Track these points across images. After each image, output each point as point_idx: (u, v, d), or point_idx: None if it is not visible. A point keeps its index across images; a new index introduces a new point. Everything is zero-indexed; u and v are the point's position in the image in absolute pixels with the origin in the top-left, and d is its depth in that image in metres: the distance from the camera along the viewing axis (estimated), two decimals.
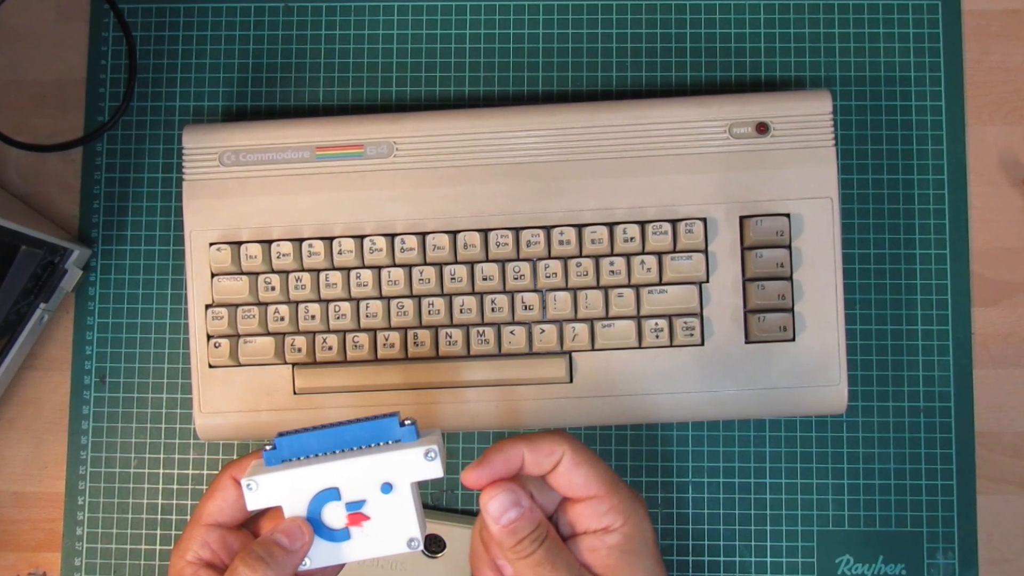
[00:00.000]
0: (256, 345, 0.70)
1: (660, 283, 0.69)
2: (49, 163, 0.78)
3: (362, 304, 0.70)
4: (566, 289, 0.69)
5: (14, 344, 0.73)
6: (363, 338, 0.70)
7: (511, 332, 0.69)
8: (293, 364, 0.70)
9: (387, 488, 0.52)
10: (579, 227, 0.69)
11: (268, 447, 0.54)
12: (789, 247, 0.69)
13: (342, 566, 0.55)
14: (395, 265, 0.70)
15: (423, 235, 0.70)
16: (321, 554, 0.53)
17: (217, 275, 0.71)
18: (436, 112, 0.71)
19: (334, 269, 0.70)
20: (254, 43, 0.78)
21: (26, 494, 0.76)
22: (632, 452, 0.74)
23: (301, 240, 0.70)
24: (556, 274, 0.69)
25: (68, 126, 0.78)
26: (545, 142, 0.70)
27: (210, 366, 0.71)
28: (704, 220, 0.69)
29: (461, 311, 0.69)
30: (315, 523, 0.53)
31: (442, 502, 0.75)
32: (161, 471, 0.75)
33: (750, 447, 0.74)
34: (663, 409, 0.69)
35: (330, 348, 0.70)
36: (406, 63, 0.77)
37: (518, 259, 0.70)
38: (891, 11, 0.76)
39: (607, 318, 0.69)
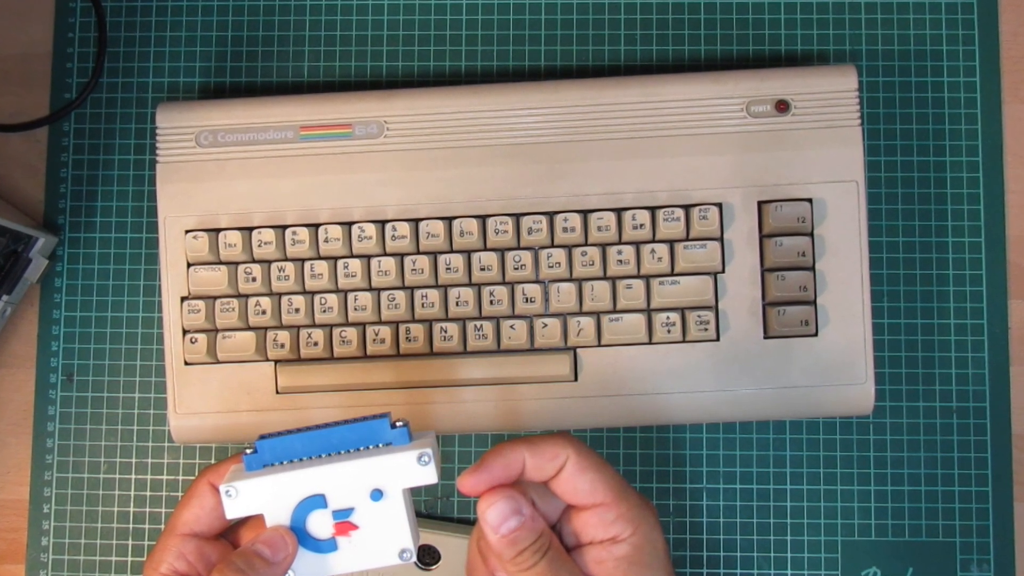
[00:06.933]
0: (235, 340, 0.70)
1: (672, 273, 0.69)
2: (12, 144, 0.77)
3: (350, 296, 0.70)
4: (570, 280, 0.69)
5: None
6: (351, 333, 0.69)
7: (511, 327, 0.69)
8: (275, 361, 0.70)
9: (377, 495, 0.52)
10: (584, 213, 0.69)
11: (249, 451, 0.54)
12: (811, 234, 0.69)
13: None
14: (386, 254, 0.70)
15: (416, 222, 0.70)
16: (306, 566, 0.53)
17: (193, 265, 0.70)
18: (430, 89, 0.71)
19: (320, 258, 0.70)
20: (233, 14, 0.77)
21: None
22: (641, 456, 0.74)
23: (284, 227, 0.70)
24: (559, 264, 0.69)
25: (32, 104, 0.78)
26: (548, 121, 0.70)
27: (186, 363, 0.70)
28: (719, 205, 0.69)
29: (457, 304, 0.69)
30: (299, 533, 0.53)
31: (436, 510, 0.75)
32: (133, 476, 0.75)
33: (769, 450, 0.74)
34: (675, 409, 0.69)
35: (315, 344, 0.69)
36: (397, 36, 0.77)
37: (518, 248, 0.69)
38: None
39: (615, 311, 0.69)
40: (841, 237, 0.69)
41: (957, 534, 0.73)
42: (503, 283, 0.69)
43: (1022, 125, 0.75)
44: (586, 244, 0.69)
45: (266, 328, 0.70)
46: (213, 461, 0.75)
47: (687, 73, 0.71)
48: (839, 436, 0.73)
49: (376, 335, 0.69)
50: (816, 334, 0.68)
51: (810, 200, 0.69)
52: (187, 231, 0.70)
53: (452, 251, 0.70)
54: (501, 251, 0.69)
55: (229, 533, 0.57)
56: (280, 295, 0.70)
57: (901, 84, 0.75)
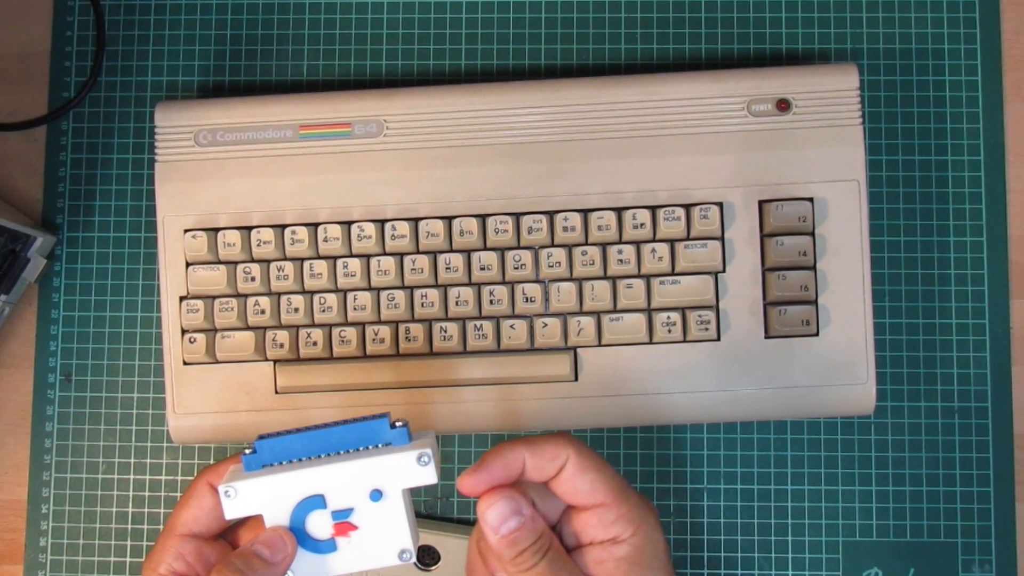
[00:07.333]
0: (234, 340, 0.70)
1: (672, 273, 0.69)
2: (10, 143, 0.77)
3: (349, 296, 0.69)
4: (570, 279, 0.69)
5: None
6: (350, 332, 0.69)
7: (511, 326, 0.69)
8: (275, 361, 0.70)
9: (377, 495, 0.52)
10: (585, 212, 0.69)
11: (248, 451, 0.53)
12: (812, 234, 0.68)
13: None
14: (385, 253, 0.70)
15: (415, 221, 0.70)
16: (305, 567, 0.53)
17: (192, 264, 0.70)
18: (430, 88, 0.71)
19: (319, 258, 0.70)
20: (232, 13, 0.77)
21: None
22: (642, 456, 0.74)
23: (283, 226, 0.70)
24: (560, 263, 0.69)
25: (31, 103, 0.78)
26: (548, 120, 0.70)
27: (185, 363, 0.70)
28: (720, 205, 0.69)
29: (457, 303, 0.69)
30: (299, 533, 0.53)
31: (436, 510, 0.75)
32: (132, 477, 0.75)
33: (770, 451, 0.73)
34: (676, 410, 0.69)
35: (315, 343, 0.69)
36: (397, 34, 0.77)
37: (518, 247, 0.69)
38: None
39: (615, 311, 0.69)
40: (842, 236, 0.69)
41: (959, 535, 0.73)
42: (503, 283, 0.69)
43: None
44: (586, 243, 0.69)
45: (265, 328, 0.70)
46: (212, 461, 0.75)
47: (687, 72, 0.71)
48: (840, 436, 0.73)
49: (376, 335, 0.69)
50: (817, 334, 0.68)
51: (811, 199, 0.69)
52: (186, 230, 0.70)
53: (452, 250, 0.70)
54: (501, 250, 0.69)
55: (228, 534, 0.57)
56: (279, 295, 0.70)
57: (902, 83, 0.75)
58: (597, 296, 0.69)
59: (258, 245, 0.70)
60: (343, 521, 0.53)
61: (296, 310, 0.69)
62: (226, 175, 0.70)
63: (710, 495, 0.74)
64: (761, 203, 0.69)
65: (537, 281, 0.69)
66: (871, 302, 0.68)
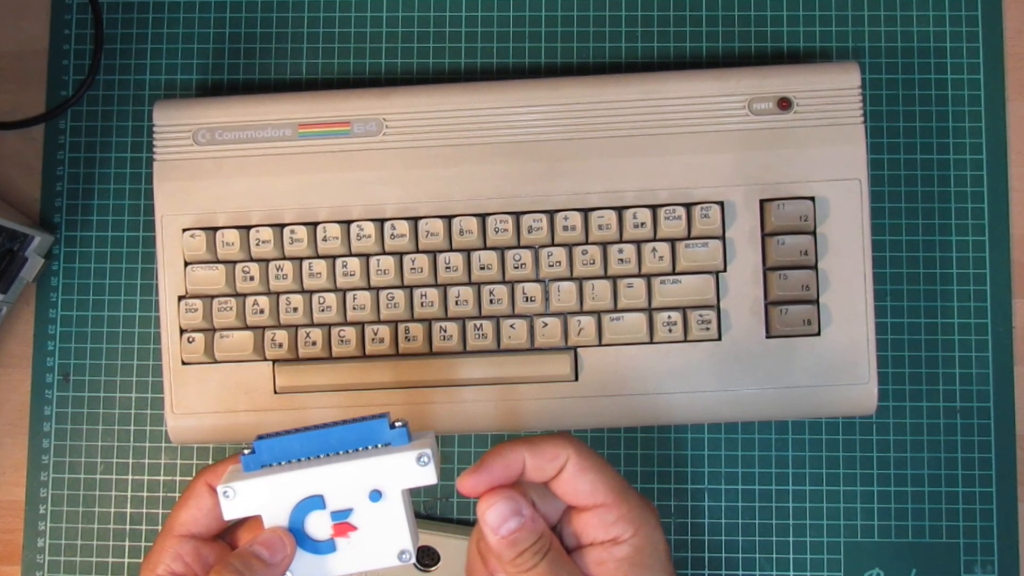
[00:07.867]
0: (233, 340, 0.70)
1: (673, 272, 0.69)
2: (8, 142, 0.77)
3: (349, 295, 0.69)
4: (571, 279, 0.69)
5: None
6: (350, 332, 0.69)
7: (511, 326, 0.69)
8: (273, 360, 0.70)
9: (376, 496, 0.52)
10: (585, 211, 0.69)
11: (247, 451, 0.53)
12: (814, 233, 0.68)
13: None
14: (384, 253, 0.70)
15: (415, 220, 0.69)
16: (304, 567, 0.53)
17: (191, 264, 0.70)
18: (429, 86, 0.71)
19: (318, 257, 0.70)
20: (231, 11, 0.77)
21: None
22: (643, 456, 0.74)
23: (282, 225, 0.70)
24: (560, 263, 0.69)
25: (29, 101, 0.78)
26: (548, 119, 0.70)
27: (183, 363, 0.70)
28: (721, 204, 0.69)
29: (456, 303, 0.69)
30: (298, 534, 0.53)
31: (436, 511, 0.75)
32: (130, 477, 0.75)
33: (771, 451, 0.73)
34: (676, 410, 0.69)
35: (314, 343, 0.69)
36: (396, 33, 0.77)
37: (519, 246, 0.69)
38: None
39: (615, 310, 0.69)
40: (844, 235, 0.69)
41: (961, 535, 0.72)
42: (503, 282, 0.69)
43: None
44: (587, 243, 0.69)
45: (264, 327, 0.70)
46: (211, 461, 0.75)
47: (688, 70, 0.71)
48: (842, 436, 0.73)
49: (375, 334, 0.69)
50: (819, 333, 0.68)
51: (812, 198, 0.68)
52: (184, 230, 0.70)
53: (452, 250, 0.69)
54: (501, 250, 0.69)
55: (227, 534, 0.57)
56: (278, 294, 0.70)
57: (904, 81, 0.75)
58: (597, 296, 0.69)
59: (257, 244, 0.69)
60: (342, 522, 0.53)
61: (295, 310, 0.69)
62: (225, 174, 0.70)
63: (711, 495, 0.74)
64: (762, 202, 0.69)
65: (537, 280, 0.69)
66: (873, 301, 0.68)
